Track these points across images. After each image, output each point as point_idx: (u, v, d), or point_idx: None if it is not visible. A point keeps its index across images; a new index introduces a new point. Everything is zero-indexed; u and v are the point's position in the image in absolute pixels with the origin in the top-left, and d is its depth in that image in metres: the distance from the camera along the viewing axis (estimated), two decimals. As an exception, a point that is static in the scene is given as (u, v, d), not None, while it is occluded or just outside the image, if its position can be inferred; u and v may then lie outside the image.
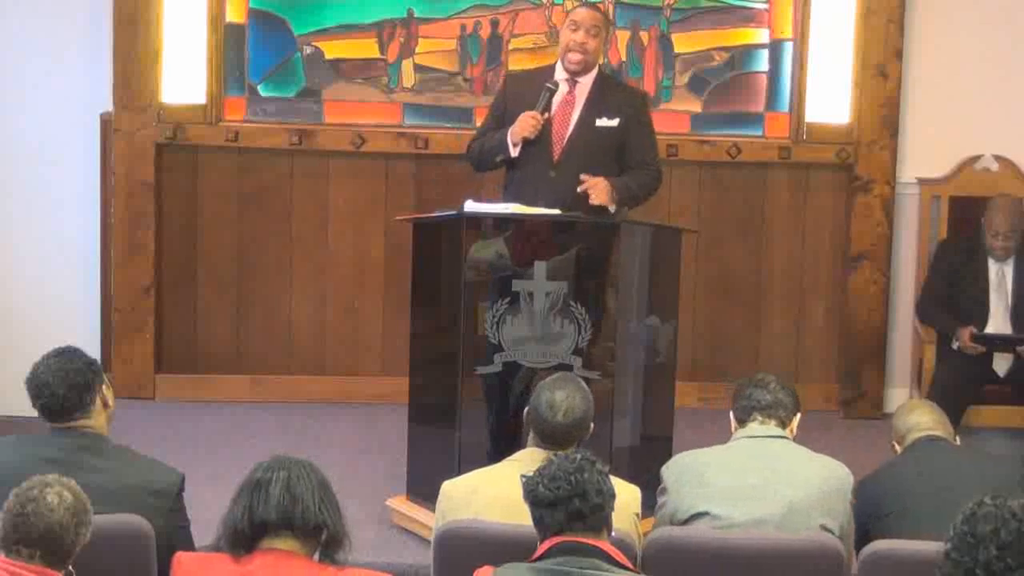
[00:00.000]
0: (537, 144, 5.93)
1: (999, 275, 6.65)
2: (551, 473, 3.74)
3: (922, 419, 4.79)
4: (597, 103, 6.00)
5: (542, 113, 5.91)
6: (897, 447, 4.82)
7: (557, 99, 5.98)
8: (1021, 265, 6.65)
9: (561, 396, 4.44)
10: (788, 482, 4.42)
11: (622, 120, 6.00)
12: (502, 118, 6.07)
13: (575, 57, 5.96)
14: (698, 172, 7.12)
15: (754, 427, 4.58)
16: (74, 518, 3.63)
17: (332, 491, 3.78)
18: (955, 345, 6.58)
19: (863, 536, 4.59)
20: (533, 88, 6.00)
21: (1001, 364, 6.61)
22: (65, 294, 7.13)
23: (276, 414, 6.92)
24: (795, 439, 4.63)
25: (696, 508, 4.41)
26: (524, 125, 5.90)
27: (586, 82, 6.02)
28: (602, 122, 5.98)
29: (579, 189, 5.85)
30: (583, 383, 4.58)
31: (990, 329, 6.60)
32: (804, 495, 4.40)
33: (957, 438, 4.82)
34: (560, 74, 6.02)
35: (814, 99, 7.04)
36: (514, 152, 5.94)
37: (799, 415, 4.68)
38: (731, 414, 4.68)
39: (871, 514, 4.59)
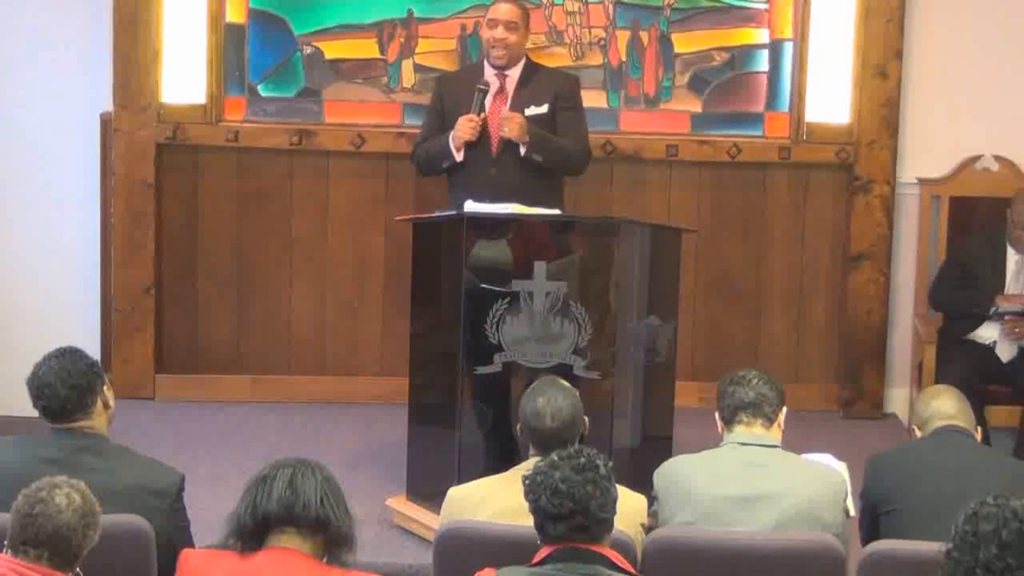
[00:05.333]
0: (477, 144, 6.14)
1: (1018, 267, 6.66)
2: (554, 485, 3.70)
3: (945, 407, 4.73)
4: (525, 92, 6.23)
5: (478, 114, 6.14)
6: (917, 432, 4.78)
7: (490, 97, 6.20)
8: None
9: (543, 401, 4.44)
10: (775, 496, 4.39)
11: (550, 105, 6.22)
12: (441, 122, 6.28)
13: (497, 53, 6.22)
14: (698, 172, 7.11)
15: (740, 431, 4.53)
16: (82, 520, 3.63)
17: (340, 491, 3.79)
18: (993, 310, 6.56)
19: (872, 519, 4.59)
20: (465, 88, 6.24)
21: (1004, 351, 6.62)
22: (65, 294, 7.13)
23: (276, 414, 6.92)
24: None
25: (683, 521, 4.40)
26: (463, 129, 6.13)
27: (514, 74, 6.27)
28: (531, 111, 6.20)
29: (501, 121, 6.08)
30: (563, 382, 4.58)
31: (1001, 307, 6.62)
32: (794, 512, 4.38)
33: (979, 429, 4.80)
34: (489, 71, 6.25)
35: (814, 99, 7.04)
36: (459, 156, 6.17)
37: (785, 408, 4.63)
38: (716, 414, 4.64)
39: (880, 498, 4.58)
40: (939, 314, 6.90)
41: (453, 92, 6.32)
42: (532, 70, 6.31)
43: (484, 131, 6.17)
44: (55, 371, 4.33)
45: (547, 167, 6.16)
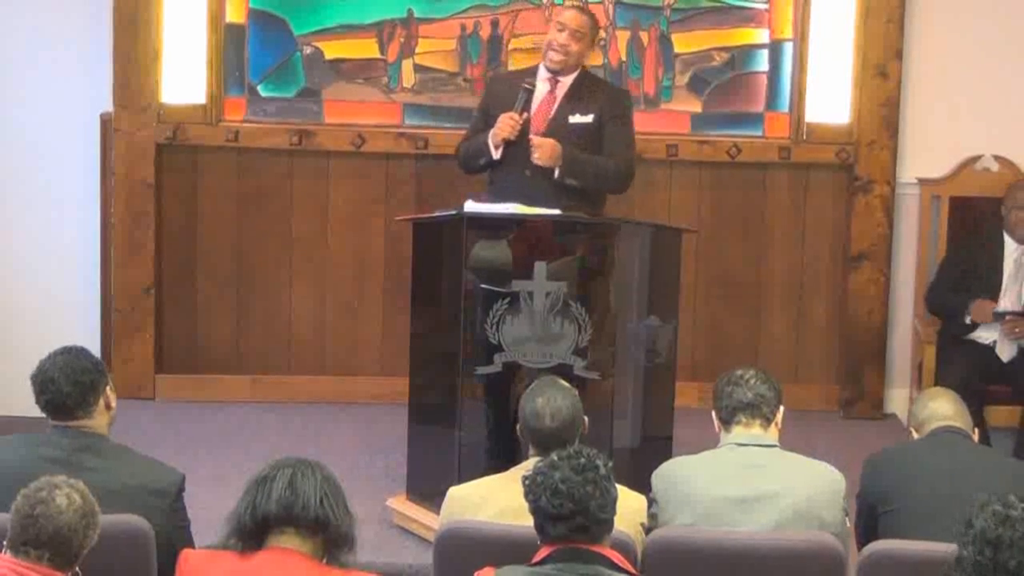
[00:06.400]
0: (516, 144, 6.04)
1: (1018, 262, 6.66)
2: (554, 486, 3.70)
3: (942, 408, 4.74)
4: (574, 100, 6.12)
5: (520, 113, 6.05)
6: (915, 434, 4.78)
7: (539, 98, 6.11)
8: None
9: (542, 401, 4.44)
10: (774, 496, 4.39)
11: (596, 116, 6.11)
12: (487, 120, 6.18)
13: (555, 57, 6.10)
14: (698, 172, 7.11)
15: (739, 432, 4.52)
16: (83, 520, 3.64)
17: (340, 491, 3.79)
18: (967, 320, 6.57)
19: (870, 519, 4.59)
20: (514, 89, 6.12)
21: (1004, 351, 6.62)
22: (65, 294, 7.13)
23: (276, 414, 6.92)
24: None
25: (683, 523, 4.40)
26: (502, 126, 6.03)
27: (567, 81, 6.15)
28: (575, 118, 6.09)
29: (532, 148, 5.95)
30: (563, 382, 4.58)
31: (1000, 308, 6.61)
32: (792, 512, 4.38)
33: (976, 431, 4.80)
34: (543, 73, 6.15)
35: (814, 99, 7.04)
36: (496, 154, 6.08)
37: (783, 407, 4.61)
38: (713, 414, 4.62)
39: (879, 498, 4.58)
40: (938, 314, 6.91)
41: (500, 92, 6.21)
42: (585, 79, 6.19)
43: (525, 133, 6.04)
44: (60, 367, 4.34)
45: (582, 189, 6.05)
